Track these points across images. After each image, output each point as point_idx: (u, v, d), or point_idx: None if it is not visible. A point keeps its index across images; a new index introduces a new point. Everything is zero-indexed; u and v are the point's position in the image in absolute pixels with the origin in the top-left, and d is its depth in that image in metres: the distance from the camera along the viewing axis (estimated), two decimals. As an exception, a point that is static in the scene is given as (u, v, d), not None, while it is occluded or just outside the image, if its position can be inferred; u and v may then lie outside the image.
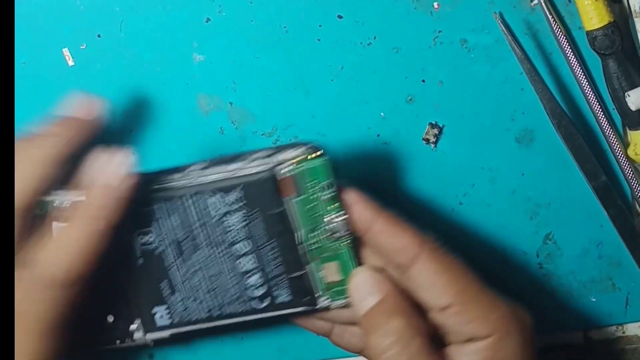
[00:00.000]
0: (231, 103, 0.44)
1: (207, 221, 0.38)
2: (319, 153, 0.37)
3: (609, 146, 0.45)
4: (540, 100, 0.44)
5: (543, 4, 0.43)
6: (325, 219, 0.37)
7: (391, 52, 0.44)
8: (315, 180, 0.37)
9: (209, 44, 0.44)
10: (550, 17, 0.43)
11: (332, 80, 0.44)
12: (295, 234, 0.38)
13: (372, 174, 0.45)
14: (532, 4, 0.44)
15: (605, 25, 0.42)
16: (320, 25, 0.44)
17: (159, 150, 0.44)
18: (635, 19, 0.43)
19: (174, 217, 0.38)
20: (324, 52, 0.44)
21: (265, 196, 0.37)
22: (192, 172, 0.38)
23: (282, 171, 0.37)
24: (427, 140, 0.45)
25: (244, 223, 0.38)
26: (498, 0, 0.44)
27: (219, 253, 0.38)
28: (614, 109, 0.44)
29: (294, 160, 0.37)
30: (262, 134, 0.44)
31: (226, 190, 0.37)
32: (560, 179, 0.45)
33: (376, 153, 0.45)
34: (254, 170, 0.37)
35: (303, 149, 0.37)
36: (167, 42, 0.44)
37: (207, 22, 0.44)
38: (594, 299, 0.46)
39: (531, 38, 0.44)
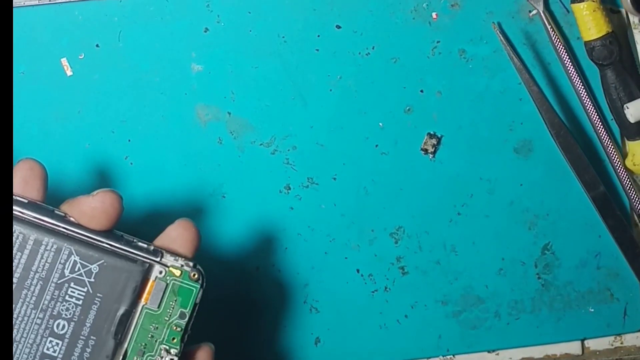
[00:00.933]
0: (229, 113, 0.44)
1: (49, 276, 0.33)
2: (197, 277, 0.34)
3: (607, 157, 0.45)
4: (539, 110, 0.44)
5: (542, 14, 0.43)
6: (160, 347, 0.34)
7: (389, 62, 0.44)
8: (178, 302, 0.34)
9: (207, 54, 0.44)
10: (548, 27, 0.43)
11: (331, 90, 0.44)
12: (121, 346, 0.33)
13: (370, 184, 0.45)
14: (531, 14, 0.44)
15: (603, 36, 0.42)
16: (318, 36, 0.44)
17: (157, 161, 0.44)
18: (634, 30, 0.43)
19: (25, 253, 0.32)
20: (323, 62, 0.44)
21: (120, 286, 0.33)
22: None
23: (154, 272, 0.34)
24: (426, 151, 0.45)
25: (80, 302, 0.33)
26: (496, 11, 0.44)
27: (35, 318, 0.33)
28: (612, 119, 0.44)
29: (171, 269, 0.34)
30: (260, 144, 0.44)
31: (88, 255, 0.33)
32: (558, 189, 0.45)
33: (374, 163, 0.45)
34: (126, 254, 0.33)
35: (184, 263, 0.34)
36: (166, 52, 0.43)
37: (205, 32, 0.44)
38: (592, 310, 0.46)
39: (530, 48, 0.44)
